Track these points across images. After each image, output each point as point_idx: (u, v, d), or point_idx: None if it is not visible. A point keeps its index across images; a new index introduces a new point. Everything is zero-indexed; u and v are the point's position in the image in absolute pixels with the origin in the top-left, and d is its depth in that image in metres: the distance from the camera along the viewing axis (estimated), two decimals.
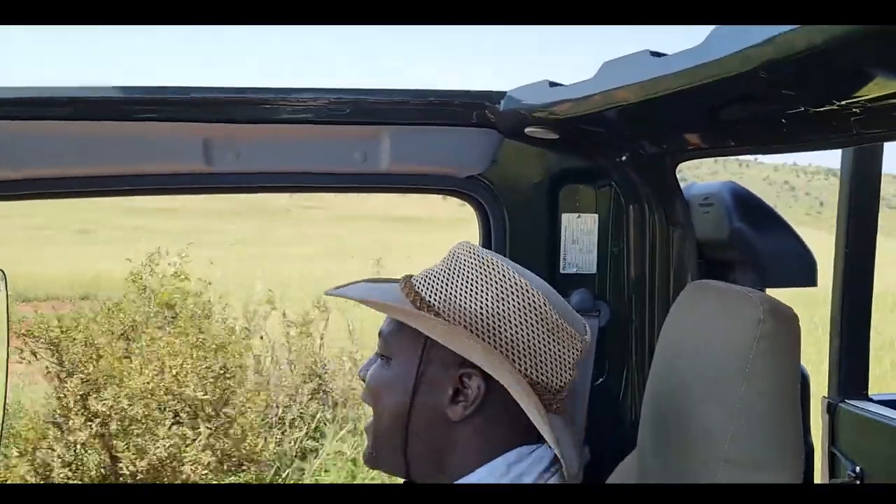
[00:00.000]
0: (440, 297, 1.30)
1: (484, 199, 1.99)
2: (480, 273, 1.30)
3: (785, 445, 1.32)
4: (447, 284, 1.31)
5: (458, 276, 1.31)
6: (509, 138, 1.94)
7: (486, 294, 1.28)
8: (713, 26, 1.16)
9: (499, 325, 1.27)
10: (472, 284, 1.29)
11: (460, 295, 1.29)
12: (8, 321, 1.88)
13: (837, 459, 2.58)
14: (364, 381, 1.38)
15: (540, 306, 1.28)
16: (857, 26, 0.90)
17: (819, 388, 2.53)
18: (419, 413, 1.29)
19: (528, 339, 1.27)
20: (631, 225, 2.01)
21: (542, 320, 1.28)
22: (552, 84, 1.68)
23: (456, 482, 1.27)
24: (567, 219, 2.04)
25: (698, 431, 1.35)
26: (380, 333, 1.36)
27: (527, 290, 1.28)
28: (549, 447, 1.28)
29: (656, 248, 1.96)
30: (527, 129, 1.85)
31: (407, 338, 1.30)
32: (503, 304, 1.27)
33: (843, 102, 1.23)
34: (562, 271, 2.03)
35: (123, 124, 1.77)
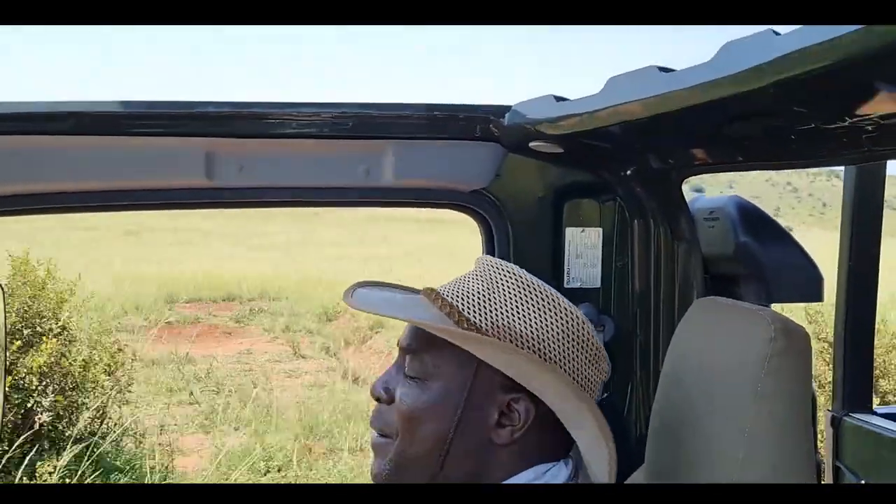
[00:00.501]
0: (486, 318, 1.25)
1: (488, 214, 1.97)
2: (522, 292, 1.26)
3: (796, 469, 1.30)
4: (489, 303, 1.26)
5: (498, 294, 1.27)
6: (513, 152, 1.92)
7: (531, 314, 1.25)
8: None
9: (547, 347, 1.24)
10: (515, 304, 1.25)
11: (505, 315, 1.25)
12: (5, 334, 1.86)
13: (842, 473, 2.56)
14: (378, 399, 1.31)
15: (581, 327, 1.27)
16: (871, 44, 0.89)
17: None
18: (463, 438, 1.24)
19: (573, 362, 1.26)
20: (636, 239, 1.99)
21: (584, 342, 1.27)
22: (558, 99, 1.67)
23: None
24: (571, 233, 2.03)
25: (708, 453, 1.34)
26: (409, 349, 1.29)
27: (568, 311, 1.26)
28: (565, 464, 1.28)
29: (661, 262, 1.95)
30: (531, 144, 1.83)
31: (452, 360, 1.24)
32: (548, 325, 1.25)
33: (856, 119, 1.22)
34: (566, 286, 2.02)
35: (124, 139, 1.75)
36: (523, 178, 1.98)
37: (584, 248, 2.04)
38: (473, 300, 1.27)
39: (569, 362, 1.25)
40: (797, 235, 2.04)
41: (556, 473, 1.26)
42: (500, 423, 1.24)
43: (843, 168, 2.81)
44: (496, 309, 1.25)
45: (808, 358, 1.32)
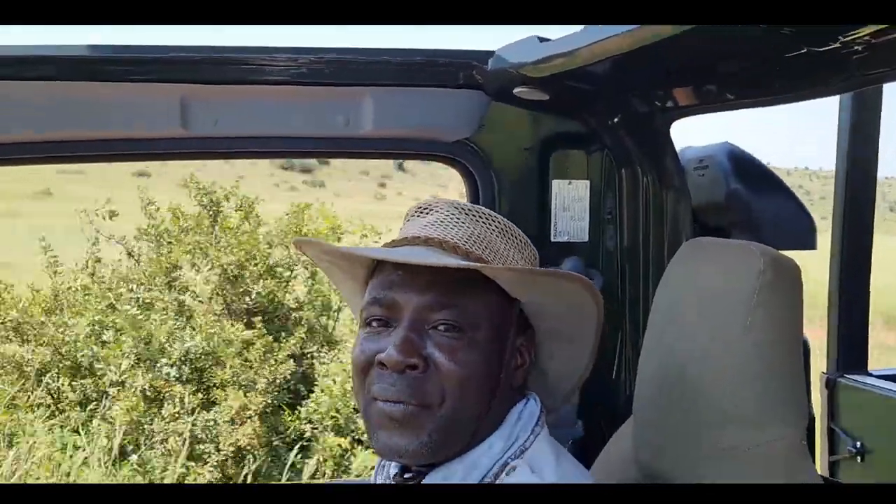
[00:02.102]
0: (495, 258, 1.21)
1: (472, 165, 1.92)
2: (503, 232, 1.24)
3: (788, 400, 1.26)
4: (490, 244, 1.21)
5: (490, 235, 1.22)
6: (497, 100, 1.87)
7: (511, 246, 1.23)
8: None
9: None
10: (502, 241, 1.23)
11: (503, 252, 1.22)
12: None
13: (837, 436, 2.52)
14: (412, 368, 1.13)
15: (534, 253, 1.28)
16: None
17: None
18: (502, 388, 1.17)
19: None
20: (623, 190, 1.95)
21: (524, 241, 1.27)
22: (541, 40, 1.61)
23: (469, 447, 1.18)
24: (558, 185, 1.98)
25: (696, 389, 1.29)
26: (437, 305, 1.14)
27: (521, 234, 1.26)
28: (534, 401, 1.24)
29: (650, 212, 1.90)
30: (515, 90, 1.78)
31: (489, 305, 1.16)
32: (511, 245, 1.24)
33: (846, 40, 1.17)
34: (553, 239, 1.97)
35: (95, 85, 1.69)
36: (508, 128, 1.93)
37: (571, 200, 1.99)
38: (478, 242, 1.20)
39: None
40: None
41: (532, 410, 1.22)
42: (516, 364, 1.21)
43: (837, 134, 2.75)
44: (495, 248, 1.22)
45: (798, 290, 1.27)
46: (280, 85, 1.77)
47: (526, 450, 1.18)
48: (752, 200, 1.82)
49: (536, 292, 1.19)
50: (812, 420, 1.99)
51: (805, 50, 1.24)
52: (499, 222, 1.23)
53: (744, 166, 1.87)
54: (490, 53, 1.80)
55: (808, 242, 1.81)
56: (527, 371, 1.22)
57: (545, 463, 1.17)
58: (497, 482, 1.16)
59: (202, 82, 1.74)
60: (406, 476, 1.23)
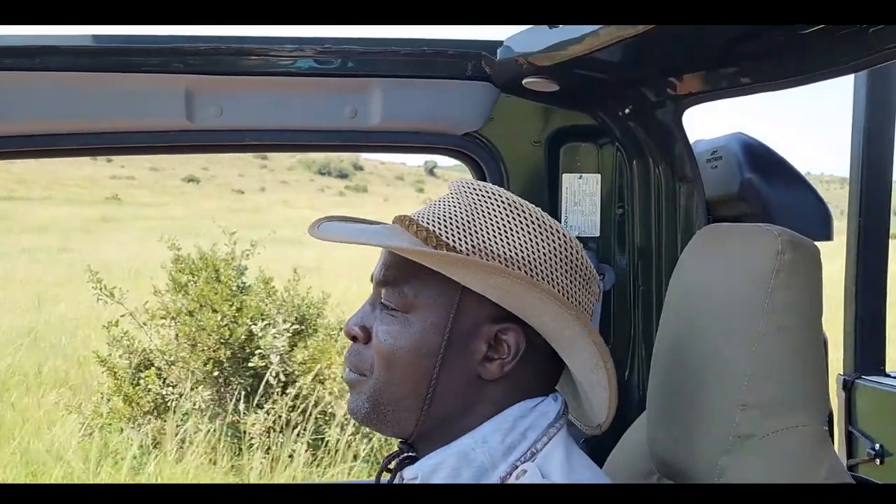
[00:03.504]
0: (467, 240, 1.14)
1: (480, 159, 1.90)
2: (505, 212, 1.16)
3: (808, 386, 1.22)
4: (469, 225, 1.15)
5: (479, 215, 1.16)
6: (506, 92, 1.85)
7: (517, 234, 1.14)
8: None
9: (536, 268, 1.14)
10: (498, 224, 1.15)
11: (488, 236, 1.14)
12: None
13: (855, 438, 2.47)
14: (355, 338, 1.22)
15: (570, 246, 1.17)
16: None
17: None
18: (449, 375, 1.14)
19: (565, 284, 1.16)
20: (635, 183, 1.91)
21: (574, 262, 1.17)
22: (551, 26, 1.59)
23: (458, 438, 1.16)
24: (568, 179, 1.95)
25: (713, 376, 1.26)
26: (384, 281, 1.18)
27: (556, 230, 1.16)
28: (553, 400, 1.19)
29: (662, 205, 1.86)
30: (525, 81, 1.75)
31: (434, 289, 1.14)
32: (536, 245, 1.14)
33: None
34: None
35: (98, 76, 1.67)
36: (518, 120, 1.90)
37: (581, 195, 1.96)
38: (452, 223, 1.16)
39: (560, 284, 1.15)
40: None
41: (545, 409, 1.17)
42: (488, 356, 1.14)
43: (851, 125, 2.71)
44: (477, 231, 1.15)
45: (818, 271, 1.24)
46: (287, 76, 1.75)
47: (537, 452, 1.13)
48: (767, 190, 1.79)
49: (468, 276, 1.12)
50: (831, 421, 1.94)
51: (822, 25, 1.21)
52: (502, 199, 1.17)
53: (758, 156, 1.83)
54: (499, 43, 1.77)
55: (825, 233, 1.77)
56: (506, 365, 1.14)
57: (555, 467, 1.12)
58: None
59: (207, 73, 1.72)
60: (403, 459, 1.23)
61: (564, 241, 1.16)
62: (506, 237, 1.14)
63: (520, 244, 1.14)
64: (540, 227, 1.16)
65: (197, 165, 50.27)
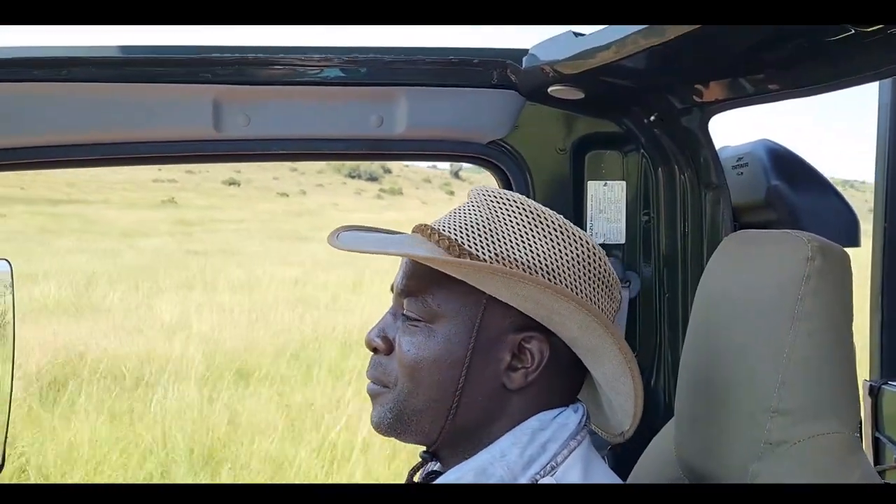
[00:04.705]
0: (489, 249, 1.14)
1: (506, 167, 1.90)
2: (527, 220, 1.16)
3: (839, 392, 1.22)
4: (491, 234, 1.15)
5: (500, 223, 1.16)
6: (531, 100, 1.85)
7: (539, 242, 1.14)
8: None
9: (559, 276, 1.14)
10: (519, 232, 1.15)
11: (509, 244, 1.14)
12: (14, 312, 1.79)
13: (882, 445, 2.45)
14: (376, 350, 1.20)
15: (593, 254, 1.17)
16: None
17: None
18: (473, 386, 1.14)
19: (588, 291, 1.16)
20: (661, 190, 1.91)
21: (597, 270, 1.17)
22: (577, 34, 1.59)
23: (480, 447, 1.16)
24: (593, 187, 1.95)
25: (742, 383, 1.25)
26: (407, 291, 1.18)
27: (578, 237, 1.16)
28: (574, 411, 1.18)
29: (688, 212, 1.86)
30: (550, 89, 1.75)
31: (458, 298, 1.14)
32: (559, 253, 1.14)
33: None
34: None
35: (126, 87, 1.69)
36: (543, 128, 1.91)
37: (606, 202, 1.96)
38: (473, 231, 1.16)
39: (583, 292, 1.15)
40: None
41: (564, 420, 1.16)
42: (512, 365, 1.14)
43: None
44: (499, 239, 1.15)
45: (848, 277, 1.24)
46: (313, 85, 1.76)
47: (557, 466, 1.13)
48: (793, 197, 1.78)
49: (492, 285, 1.12)
50: (860, 427, 1.93)
51: (852, 31, 1.21)
52: (522, 206, 1.17)
53: (784, 162, 1.83)
54: (524, 52, 1.78)
55: (852, 239, 1.77)
56: (530, 374, 1.14)
57: (573, 481, 1.12)
58: None
59: (235, 83, 1.73)
60: (428, 475, 1.23)
61: (587, 248, 1.17)
62: (528, 245, 1.14)
63: (542, 252, 1.14)
64: (561, 234, 1.16)
65: (230, 168, 50.82)
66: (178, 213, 30.25)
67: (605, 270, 1.18)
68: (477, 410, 1.15)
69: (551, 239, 1.15)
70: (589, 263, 1.16)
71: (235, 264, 14.99)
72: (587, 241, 1.17)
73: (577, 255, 1.15)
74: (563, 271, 1.14)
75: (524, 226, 1.15)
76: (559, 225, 1.16)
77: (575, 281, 1.15)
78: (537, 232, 1.15)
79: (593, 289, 1.16)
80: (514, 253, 1.14)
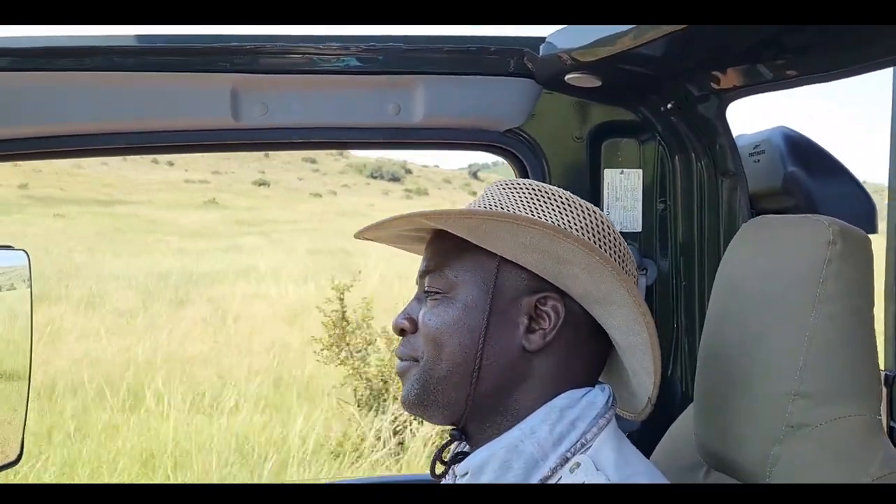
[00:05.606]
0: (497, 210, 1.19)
1: (522, 155, 1.91)
2: (538, 196, 1.20)
3: (860, 375, 1.22)
4: (500, 204, 1.20)
5: (511, 200, 1.20)
6: (548, 88, 1.86)
7: (550, 209, 1.18)
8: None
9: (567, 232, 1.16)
10: (530, 201, 1.19)
11: (518, 209, 1.18)
12: (32, 304, 1.80)
13: None
14: (403, 331, 1.24)
15: (606, 225, 1.20)
16: None
17: None
18: (493, 350, 1.17)
19: (596, 244, 1.18)
20: (678, 178, 1.91)
21: (610, 239, 1.19)
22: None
23: (507, 430, 1.17)
24: (610, 175, 1.95)
25: (763, 366, 1.26)
26: (427, 270, 1.23)
27: (590, 209, 1.20)
28: (601, 391, 1.19)
29: (705, 200, 1.86)
30: (567, 77, 1.76)
31: (472, 265, 1.19)
32: (568, 219, 1.18)
33: None
34: None
35: (145, 75, 1.70)
36: (559, 116, 1.91)
37: (623, 190, 1.96)
38: (480, 206, 1.22)
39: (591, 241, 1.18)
40: None
41: (592, 399, 1.18)
42: (531, 328, 1.17)
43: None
44: (505, 206, 1.19)
45: (869, 261, 1.24)
46: (331, 74, 1.77)
47: (588, 443, 1.15)
48: (811, 183, 1.78)
49: (499, 241, 1.15)
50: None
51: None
52: (532, 187, 1.22)
53: (801, 149, 1.82)
54: (541, 40, 1.78)
55: (869, 225, 1.76)
56: (548, 335, 1.17)
57: (608, 459, 1.13)
58: (560, 479, 1.13)
59: (252, 72, 1.74)
60: (455, 456, 1.24)
61: (597, 217, 1.20)
62: (535, 209, 1.18)
63: (549, 216, 1.17)
64: (569, 205, 1.20)
65: (254, 169, 51.08)
66: (227, 213, 30.16)
67: (615, 238, 1.20)
68: (499, 374, 1.17)
69: (558, 206, 1.19)
70: (598, 228, 1.19)
71: (359, 257, 14.47)
72: (596, 212, 1.20)
73: (586, 221, 1.19)
74: (570, 228, 1.17)
75: (532, 199, 1.20)
76: (567, 198, 1.21)
77: (582, 236, 1.17)
78: (545, 202, 1.19)
79: (601, 246, 1.18)
80: (519, 212, 1.18)
